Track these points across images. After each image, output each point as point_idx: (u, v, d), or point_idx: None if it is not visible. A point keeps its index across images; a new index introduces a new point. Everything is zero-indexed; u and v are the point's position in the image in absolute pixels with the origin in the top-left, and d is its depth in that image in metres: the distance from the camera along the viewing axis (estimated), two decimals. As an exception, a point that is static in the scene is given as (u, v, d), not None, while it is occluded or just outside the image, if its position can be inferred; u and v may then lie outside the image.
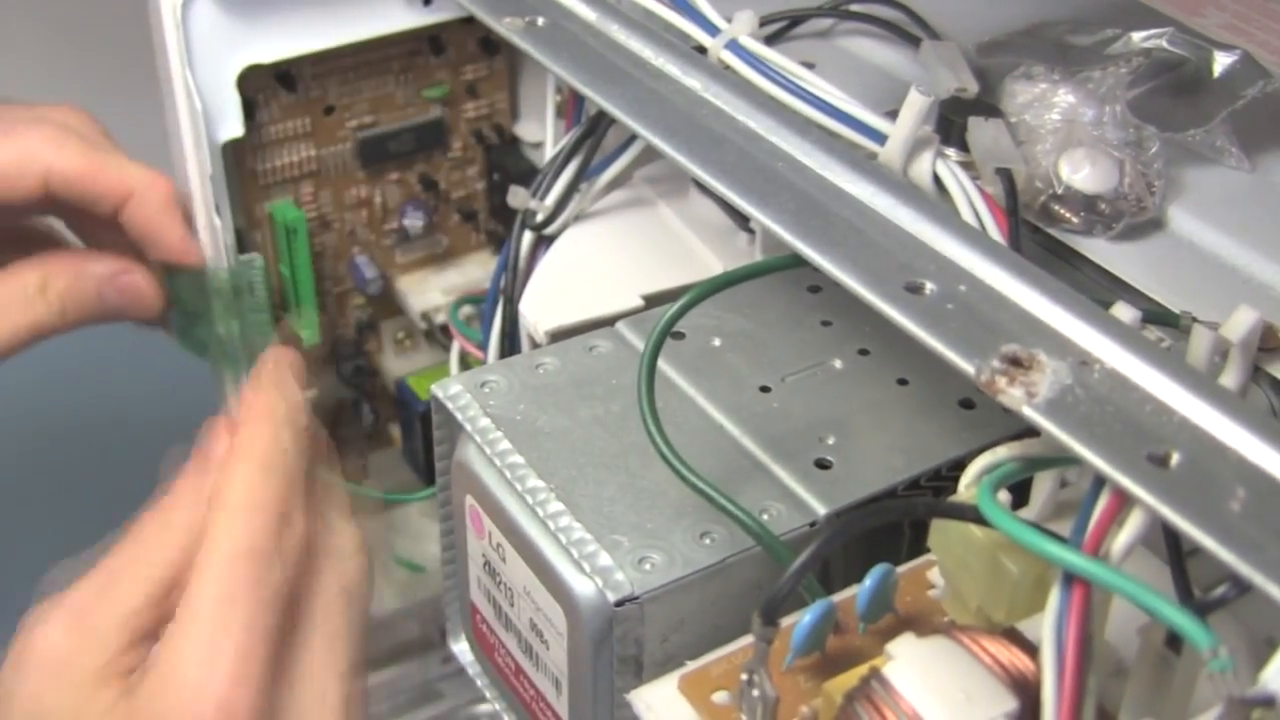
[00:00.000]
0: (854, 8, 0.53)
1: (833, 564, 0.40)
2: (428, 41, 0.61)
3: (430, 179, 0.64)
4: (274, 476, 0.43)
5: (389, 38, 0.59)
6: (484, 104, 0.64)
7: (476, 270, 0.66)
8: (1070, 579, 0.28)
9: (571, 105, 0.53)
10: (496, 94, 0.64)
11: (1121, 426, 0.30)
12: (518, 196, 0.52)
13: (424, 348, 0.68)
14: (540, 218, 0.52)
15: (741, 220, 0.52)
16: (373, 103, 0.61)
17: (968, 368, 0.31)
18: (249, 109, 0.57)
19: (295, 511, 0.42)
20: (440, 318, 0.64)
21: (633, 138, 0.51)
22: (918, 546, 0.37)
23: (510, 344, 0.53)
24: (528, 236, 0.53)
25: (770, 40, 0.51)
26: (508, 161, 0.64)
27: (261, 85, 0.57)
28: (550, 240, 0.53)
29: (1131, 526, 0.29)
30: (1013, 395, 0.30)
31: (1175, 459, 0.29)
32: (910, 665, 0.29)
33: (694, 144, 0.41)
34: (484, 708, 0.74)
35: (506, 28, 0.47)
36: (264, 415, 0.45)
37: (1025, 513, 0.40)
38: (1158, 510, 0.28)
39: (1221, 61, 0.47)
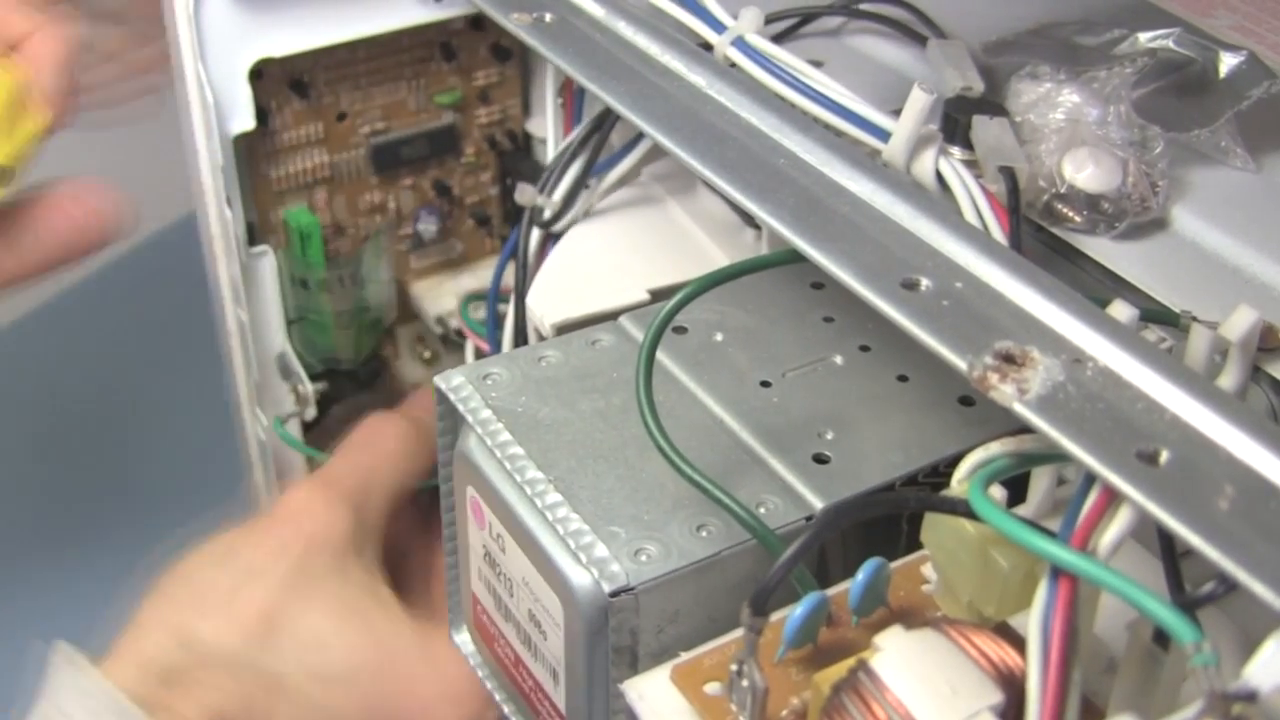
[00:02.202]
0: (862, 6, 0.53)
1: (830, 558, 0.40)
2: (439, 48, 0.61)
3: (444, 184, 0.65)
4: None
5: (400, 42, 0.60)
6: (496, 109, 0.64)
7: (490, 275, 0.67)
8: (1057, 573, 0.28)
9: (570, 106, 0.54)
10: (509, 100, 0.64)
11: (1112, 424, 0.30)
12: (525, 194, 0.52)
13: (441, 352, 0.69)
14: (548, 214, 0.52)
15: (748, 217, 0.52)
16: (385, 109, 0.61)
17: (960, 364, 0.32)
18: (262, 115, 0.57)
19: None
20: (455, 323, 0.64)
21: (640, 135, 0.51)
22: (915, 541, 0.38)
23: (523, 342, 0.53)
24: (535, 233, 0.53)
25: (778, 38, 0.52)
26: (520, 166, 0.65)
27: (274, 91, 0.58)
28: (558, 237, 0.53)
29: (1119, 523, 0.29)
30: (1004, 391, 0.31)
31: (1165, 456, 0.29)
32: (897, 658, 0.30)
33: (696, 140, 0.41)
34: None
35: (514, 23, 0.47)
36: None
37: (1022, 509, 0.40)
38: (1145, 507, 0.28)
39: (1228, 62, 0.47)
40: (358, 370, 0.66)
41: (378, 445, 0.54)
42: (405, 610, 0.50)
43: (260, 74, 0.56)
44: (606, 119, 0.51)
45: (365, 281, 0.62)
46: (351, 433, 0.56)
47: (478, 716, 0.47)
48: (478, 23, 0.61)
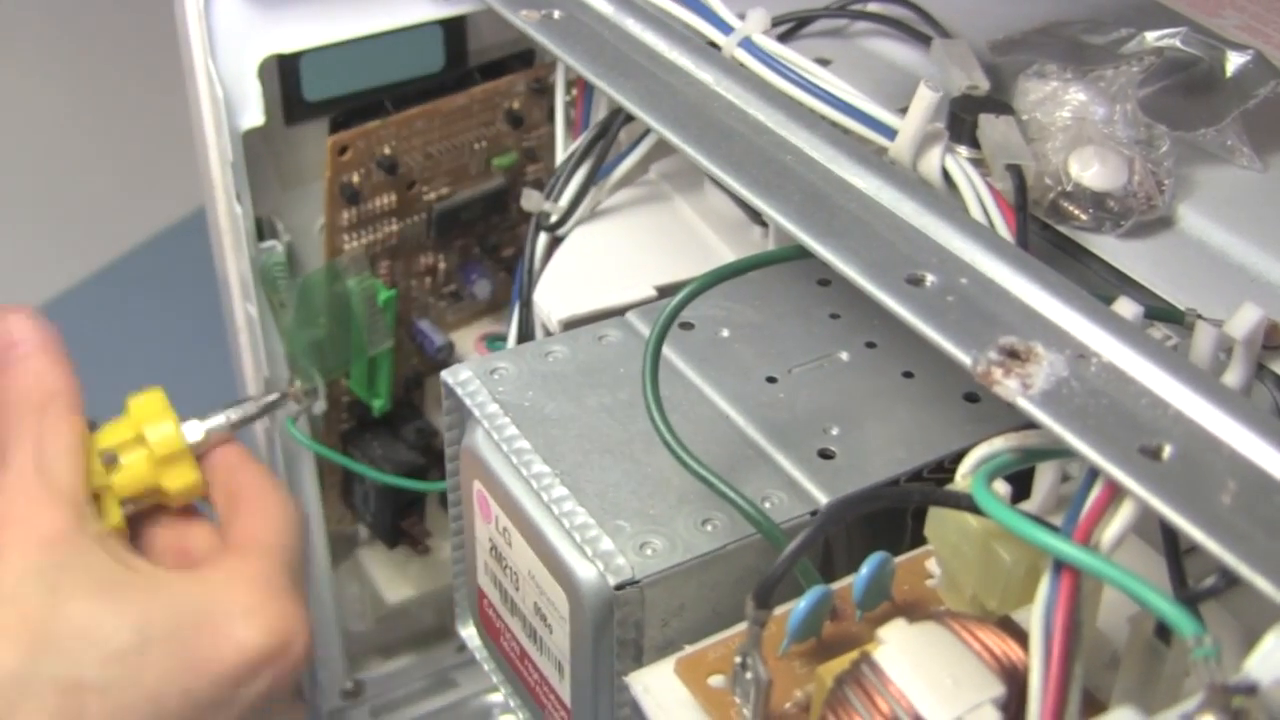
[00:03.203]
0: (869, 7, 0.53)
1: (835, 552, 0.40)
2: (504, 113, 0.62)
3: (490, 243, 0.65)
4: None
5: (471, 109, 0.61)
6: (541, 168, 0.65)
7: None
8: (1060, 567, 0.28)
9: (580, 110, 0.54)
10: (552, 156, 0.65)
11: (1116, 419, 0.30)
12: (531, 199, 0.53)
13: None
14: (554, 219, 0.53)
15: (755, 214, 0.52)
16: (450, 174, 0.62)
17: (965, 359, 0.32)
18: (352, 195, 0.58)
19: None
20: None
21: (643, 135, 0.51)
22: (920, 536, 0.38)
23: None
24: (542, 238, 0.53)
25: (784, 38, 0.52)
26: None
27: (359, 164, 0.59)
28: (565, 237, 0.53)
29: (1122, 517, 0.29)
30: (1008, 386, 0.31)
31: (1168, 451, 0.29)
32: (900, 650, 0.30)
33: (704, 137, 0.41)
34: (496, 697, 0.75)
35: (522, 20, 0.47)
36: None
37: (1027, 505, 0.40)
38: (1148, 501, 0.28)
39: (1234, 61, 0.47)
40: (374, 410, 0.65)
41: (40, 416, 0.49)
42: (162, 564, 0.49)
43: (345, 149, 0.57)
44: (612, 124, 0.51)
45: (312, 314, 0.61)
46: None
47: (283, 624, 0.46)
48: (539, 88, 0.62)
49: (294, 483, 0.64)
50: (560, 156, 0.55)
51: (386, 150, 0.59)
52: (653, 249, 0.52)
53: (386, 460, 0.65)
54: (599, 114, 0.53)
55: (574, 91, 0.55)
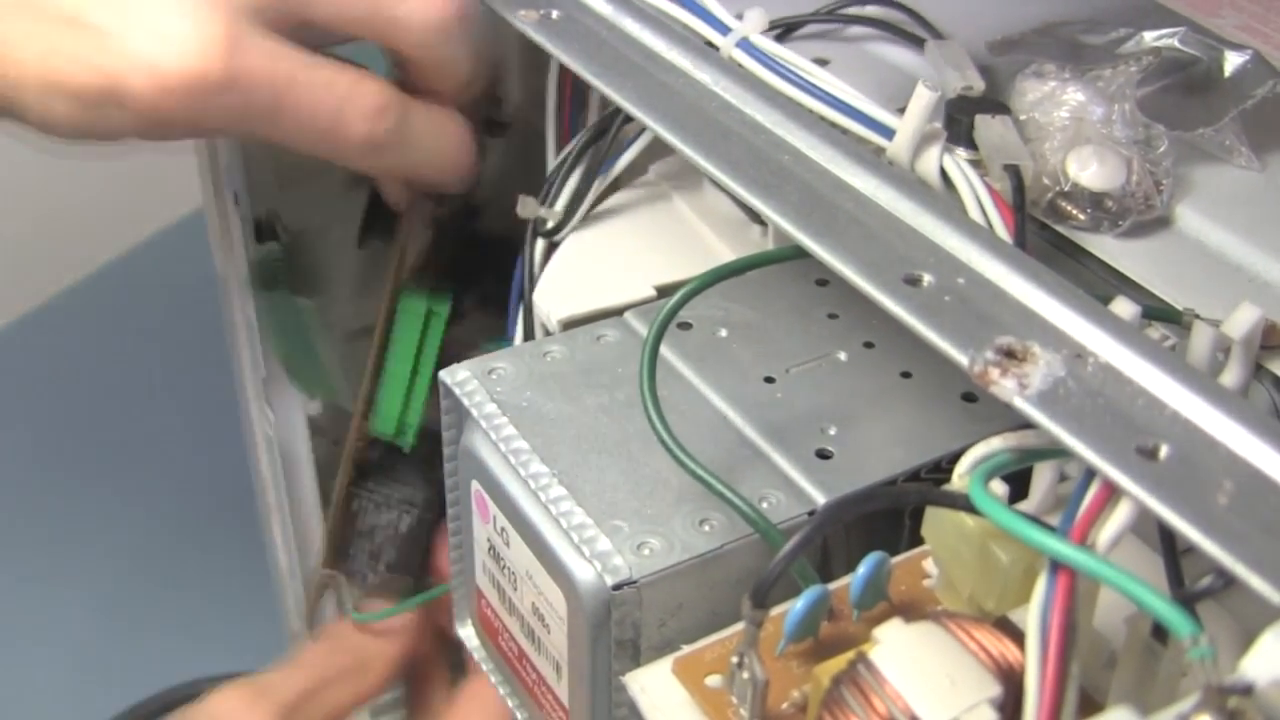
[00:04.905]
0: (866, 10, 0.53)
1: (833, 553, 0.40)
2: None
3: None
4: None
5: None
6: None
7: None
8: (1057, 567, 0.28)
9: (569, 109, 0.54)
10: None
11: (1112, 419, 0.30)
12: (527, 206, 0.52)
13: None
14: (551, 224, 0.52)
15: (754, 214, 0.52)
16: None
17: (961, 359, 0.32)
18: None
19: None
20: None
21: (638, 134, 0.51)
22: (918, 537, 0.38)
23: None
24: (540, 244, 0.53)
25: (781, 39, 0.52)
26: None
27: None
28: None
29: (1118, 517, 0.29)
30: (1004, 386, 0.31)
31: (1164, 451, 0.29)
32: (896, 650, 0.30)
33: (701, 137, 0.41)
34: (496, 696, 0.75)
35: (520, 20, 0.47)
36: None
37: (1025, 505, 0.40)
38: (1144, 501, 0.28)
39: (1233, 61, 0.47)
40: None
41: (328, 665, 0.53)
42: None
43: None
44: (608, 126, 0.51)
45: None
46: (308, 646, 0.55)
47: None
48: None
49: (293, 489, 0.64)
50: (552, 162, 0.55)
51: None
52: (651, 249, 0.52)
53: (405, 503, 0.63)
54: (591, 118, 0.53)
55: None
